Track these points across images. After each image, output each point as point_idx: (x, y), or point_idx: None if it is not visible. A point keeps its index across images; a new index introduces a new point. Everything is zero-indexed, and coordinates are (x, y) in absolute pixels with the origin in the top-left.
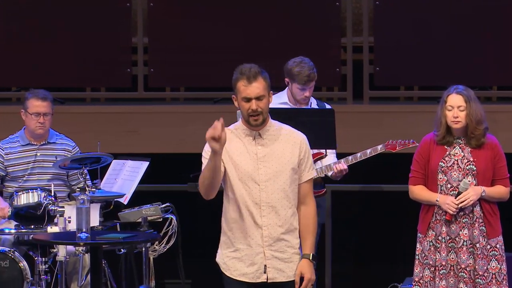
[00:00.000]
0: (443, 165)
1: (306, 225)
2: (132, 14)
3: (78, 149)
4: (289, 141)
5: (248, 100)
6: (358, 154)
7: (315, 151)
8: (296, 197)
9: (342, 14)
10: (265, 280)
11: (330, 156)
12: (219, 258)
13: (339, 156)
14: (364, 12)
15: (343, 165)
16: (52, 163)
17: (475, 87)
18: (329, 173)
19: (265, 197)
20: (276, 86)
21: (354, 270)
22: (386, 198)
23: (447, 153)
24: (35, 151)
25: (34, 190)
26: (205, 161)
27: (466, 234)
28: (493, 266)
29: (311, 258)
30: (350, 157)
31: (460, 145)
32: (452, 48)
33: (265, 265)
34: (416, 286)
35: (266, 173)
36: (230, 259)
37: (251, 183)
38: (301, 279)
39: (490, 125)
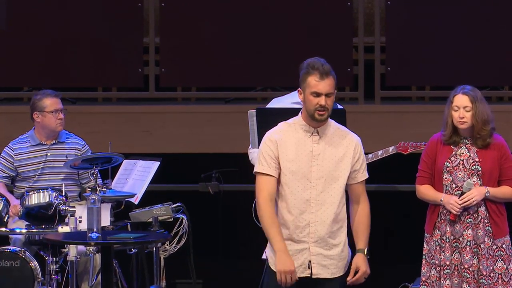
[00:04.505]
0: (449, 165)
1: (360, 222)
2: (143, 14)
3: (87, 147)
4: (345, 142)
5: (318, 95)
6: (370, 156)
7: None
8: (345, 197)
9: (353, 14)
10: (309, 275)
11: None
12: (267, 252)
13: None
14: (376, 12)
15: None
16: (62, 163)
17: (487, 87)
18: None
19: (315, 194)
20: (289, 87)
21: None
22: (398, 198)
23: (453, 153)
24: (46, 151)
25: (45, 190)
26: (262, 166)
27: (470, 234)
28: (499, 266)
29: (365, 253)
30: None
31: (467, 145)
32: (464, 48)
33: (310, 261)
34: (424, 286)
35: (318, 171)
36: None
37: (303, 179)
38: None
39: (502, 125)
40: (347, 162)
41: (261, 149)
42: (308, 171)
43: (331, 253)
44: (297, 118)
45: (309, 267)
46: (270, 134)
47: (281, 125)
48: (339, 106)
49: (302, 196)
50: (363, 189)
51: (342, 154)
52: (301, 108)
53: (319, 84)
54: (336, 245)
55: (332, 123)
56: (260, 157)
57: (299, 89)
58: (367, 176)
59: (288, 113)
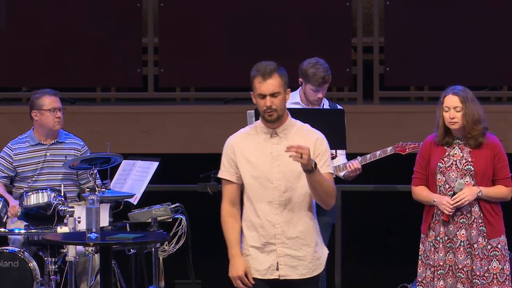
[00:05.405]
0: (442, 165)
1: None
2: (142, 15)
3: (87, 148)
4: (304, 140)
5: (263, 96)
6: (368, 156)
7: None
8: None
9: (352, 14)
10: (278, 277)
11: (340, 157)
12: None
13: (349, 156)
14: (375, 12)
15: (357, 164)
16: (61, 163)
17: (486, 87)
18: (341, 174)
19: (278, 195)
20: (288, 87)
21: (364, 270)
22: (397, 198)
23: (447, 153)
24: (45, 151)
25: (44, 190)
26: (222, 172)
27: (463, 234)
28: (494, 267)
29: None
30: (359, 158)
31: (460, 146)
32: (463, 48)
33: (277, 262)
34: (419, 287)
35: (279, 172)
36: (245, 257)
37: (264, 181)
38: None
39: (501, 125)
40: None
41: (222, 154)
42: (269, 172)
43: (300, 254)
44: (258, 121)
45: (278, 268)
46: (230, 139)
47: (246, 128)
48: (339, 107)
49: (265, 198)
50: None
51: None
52: (300, 108)
53: (262, 86)
54: (307, 245)
55: (296, 123)
56: (221, 163)
57: (251, 92)
58: (330, 170)
59: None
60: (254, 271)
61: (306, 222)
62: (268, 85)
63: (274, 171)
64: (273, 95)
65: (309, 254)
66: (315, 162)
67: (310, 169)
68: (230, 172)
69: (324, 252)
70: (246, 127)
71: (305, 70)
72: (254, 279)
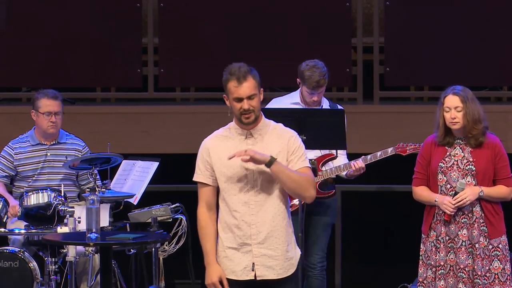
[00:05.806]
0: (443, 165)
1: None
2: (142, 15)
3: (88, 149)
4: (278, 140)
5: (240, 100)
6: (369, 156)
7: (326, 152)
8: (287, 195)
9: (352, 14)
10: (253, 278)
11: (341, 157)
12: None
13: (350, 157)
14: (375, 12)
15: (361, 163)
16: (62, 163)
17: (486, 87)
18: (343, 173)
19: (254, 196)
20: (288, 87)
21: (364, 270)
22: (397, 198)
23: (448, 153)
24: (45, 151)
25: (44, 191)
26: (197, 175)
27: (465, 234)
28: (496, 266)
29: (271, 158)
30: (360, 159)
31: (461, 146)
32: (464, 48)
33: (253, 263)
34: (420, 287)
35: (254, 172)
36: (221, 258)
37: (239, 182)
38: None
39: (501, 125)
40: (283, 158)
41: (197, 157)
42: (244, 173)
43: (275, 254)
44: (232, 123)
45: (253, 269)
46: (204, 142)
47: (219, 130)
48: (339, 107)
49: (240, 199)
50: (307, 173)
51: (277, 152)
52: (300, 108)
53: (239, 89)
54: (281, 244)
55: (270, 123)
56: (196, 165)
57: (224, 95)
58: (306, 165)
59: (287, 114)
60: (230, 272)
61: (280, 221)
62: (244, 88)
63: (249, 172)
64: (249, 97)
65: (283, 253)
66: (271, 156)
67: (268, 160)
68: (206, 175)
69: (297, 252)
70: (220, 129)
71: (302, 72)
72: (230, 280)
